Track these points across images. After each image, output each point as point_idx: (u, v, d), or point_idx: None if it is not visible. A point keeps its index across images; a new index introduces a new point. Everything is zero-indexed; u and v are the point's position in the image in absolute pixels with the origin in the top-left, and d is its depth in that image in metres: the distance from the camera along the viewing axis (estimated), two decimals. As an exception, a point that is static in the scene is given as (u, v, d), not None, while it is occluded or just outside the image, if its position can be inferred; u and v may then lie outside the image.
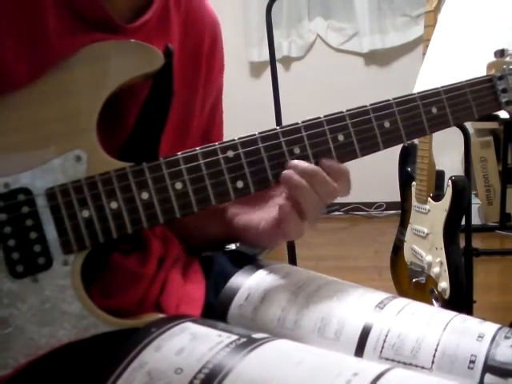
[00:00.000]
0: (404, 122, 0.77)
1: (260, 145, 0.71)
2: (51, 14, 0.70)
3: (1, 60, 0.67)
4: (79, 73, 0.67)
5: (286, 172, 0.71)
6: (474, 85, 0.83)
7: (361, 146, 0.75)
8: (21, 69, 0.67)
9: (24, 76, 0.66)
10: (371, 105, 0.76)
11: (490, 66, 0.87)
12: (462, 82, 0.82)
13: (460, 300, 1.69)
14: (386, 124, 0.76)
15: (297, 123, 0.73)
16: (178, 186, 0.67)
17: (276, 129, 0.72)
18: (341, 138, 0.74)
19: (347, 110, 0.75)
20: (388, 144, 0.77)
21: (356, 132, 0.74)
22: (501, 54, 0.87)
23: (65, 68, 0.67)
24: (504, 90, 0.84)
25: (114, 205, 0.65)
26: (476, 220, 3.22)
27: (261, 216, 0.79)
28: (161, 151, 0.69)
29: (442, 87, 0.80)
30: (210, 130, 0.90)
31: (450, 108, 0.80)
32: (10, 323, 0.62)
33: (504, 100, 0.84)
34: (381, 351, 0.68)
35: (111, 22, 0.73)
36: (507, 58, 0.87)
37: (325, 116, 0.74)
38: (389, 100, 0.77)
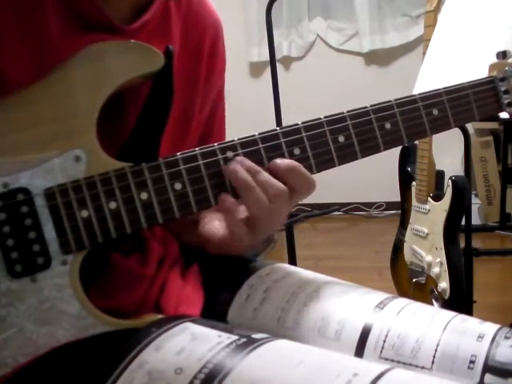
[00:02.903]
0: (405, 124, 0.77)
1: (260, 145, 0.71)
2: (52, 15, 0.70)
3: (4, 63, 0.67)
4: (79, 73, 0.67)
5: (231, 165, 0.69)
6: (475, 86, 0.82)
7: (361, 148, 0.74)
8: (24, 71, 0.67)
9: (27, 78, 0.66)
10: (372, 106, 0.76)
11: (492, 68, 0.86)
12: (463, 84, 0.82)
13: (460, 300, 1.69)
14: (387, 125, 0.76)
15: (297, 124, 0.72)
16: (178, 186, 0.67)
17: (276, 129, 0.72)
18: (341, 139, 0.74)
19: (348, 111, 0.74)
20: (389, 145, 0.76)
21: (357, 133, 0.74)
22: (503, 55, 0.87)
23: (65, 68, 0.67)
24: (506, 92, 0.84)
25: (113, 205, 0.65)
26: (476, 220, 3.22)
27: (221, 224, 0.78)
28: (161, 152, 0.69)
29: (444, 88, 0.80)
30: (209, 134, 0.90)
31: (451, 110, 0.80)
32: (9, 323, 0.62)
33: (506, 101, 0.84)
34: (381, 351, 0.68)
35: (110, 23, 0.73)
36: (510, 60, 0.86)
37: (325, 117, 0.73)
38: (390, 101, 0.77)
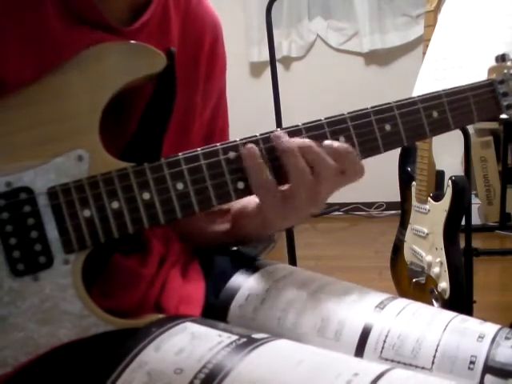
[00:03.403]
0: (405, 126, 0.77)
1: (262, 146, 0.71)
2: (52, 15, 0.70)
3: (5, 66, 0.67)
4: (82, 73, 0.67)
5: (277, 132, 0.70)
6: (475, 89, 0.82)
7: (361, 149, 0.74)
8: (25, 74, 0.67)
9: (30, 79, 0.66)
10: (372, 107, 0.76)
11: (491, 71, 0.87)
12: (463, 86, 0.82)
13: (460, 300, 1.69)
14: (387, 127, 0.76)
15: (298, 125, 0.72)
16: (180, 186, 0.67)
17: (277, 130, 0.72)
18: (342, 140, 0.74)
19: (348, 113, 0.74)
20: (388, 147, 0.76)
21: (357, 135, 0.74)
22: (502, 58, 0.87)
23: (67, 68, 0.67)
24: (505, 94, 0.84)
25: (115, 205, 0.65)
26: (476, 220, 3.22)
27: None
28: (162, 152, 0.69)
29: (443, 91, 0.80)
30: (211, 135, 0.90)
31: (450, 112, 0.80)
32: (11, 322, 0.62)
33: (505, 104, 0.84)
34: (381, 351, 0.68)
35: (107, 24, 0.73)
36: (508, 63, 0.87)
37: (326, 118, 0.73)
38: (390, 103, 0.77)
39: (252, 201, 0.79)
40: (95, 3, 0.72)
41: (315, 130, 0.73)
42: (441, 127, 0.80)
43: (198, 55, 0.85)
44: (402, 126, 0.76)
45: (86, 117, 0.66)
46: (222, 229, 0.87)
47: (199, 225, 0.88)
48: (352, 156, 0.72)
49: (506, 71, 0.85)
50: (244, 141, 0.70)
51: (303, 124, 0.73)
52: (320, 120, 0.73)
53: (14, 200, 0.63)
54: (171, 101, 0.70)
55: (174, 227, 0.87)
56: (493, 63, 0.88)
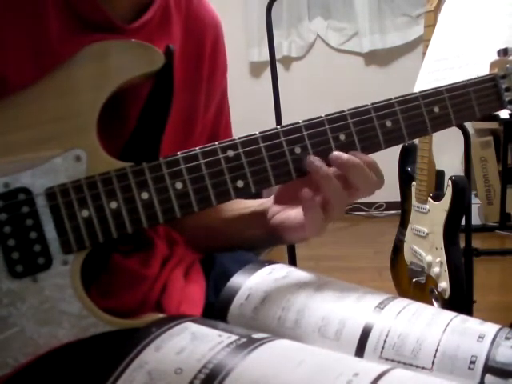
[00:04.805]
0: (406, 122, 0.76)
1: (261, 144, 0.70)
2: (52, 17, 0.70)
3: (5, 66, 0.67)
4: (80, 72, 0.67)
5: (312, 159, 0.71)
6: (476, 84, 0.82)
7: (362, 146, 0.74)
8: (25, 74, 0.67)
9: (28, 80, 0.66)
10: (373, 104, 0.75)
11: (493, 65, 0.86)
12: (464, 81, 0.81)
13: (460, 300, 1.69)
14: (388, 123, 0.76)
15: (297, 122, 0.72)
16: (179, 185, 0.67)
17: (277, 128, 0.72)
18: (342, 137, 0.73)
19: (348, 110, 0.74)
20: (389, 144, 0.76)
21: (357, 131, 0.74)
22: (504, 52, 0.86)
23: (65, 68, 0.67)
24: (507, 89, 0.84)
25: (113, 205, 0.65)
26: (476, 220, 3.22)
27: (297, 211, 0.79)
28: (164, 153, 0.69)
29: (445, 86, 0.79)
30: (216, 133, 0.90)
31: (452, 107, 0.79)
32: (10, 323, 0.62)
33: (507, 99, 0.84)
34: (381, 351, 0.68)
35: (111, 23, 0.73)
36: (511, 57, 0.86)
37: (326, 115, 0.73)
38: (391, 99, 0.76)
39: (293, 214, 0.79)
40: (99, 3, 0.72)
41: (315, 128, 0.73)
42: (442, 123, 0.79)
43: (200, 55, 0.85)
44: (403, 122, 0.76)
45: (84, 116, 0.66)
46: (257, 233, 0.88)
47: (233, 228, 0.89)
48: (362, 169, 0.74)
49: (508, 66, 0.84)
50: (242, 139, 0.70)
51: (303, 121, 0.72)
52: (320, 117, 0.73)
53: (12, 201, 0.63)
54: (169, 99, 0.70)
55: (190, 230, 0.88)
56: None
